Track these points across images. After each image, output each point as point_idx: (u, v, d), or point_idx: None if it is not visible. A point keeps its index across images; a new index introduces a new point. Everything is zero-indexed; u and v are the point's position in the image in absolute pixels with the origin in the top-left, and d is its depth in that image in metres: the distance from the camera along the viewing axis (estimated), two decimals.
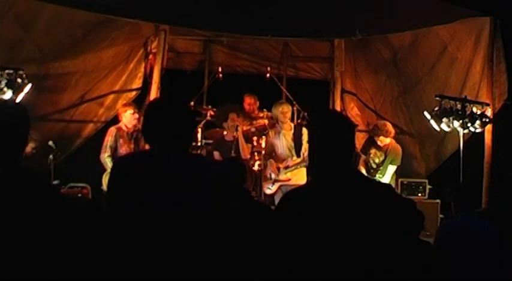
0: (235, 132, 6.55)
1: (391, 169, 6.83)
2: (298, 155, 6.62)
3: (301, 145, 6.62)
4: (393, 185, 6.86)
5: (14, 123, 2.28)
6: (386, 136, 6.78)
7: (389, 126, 6.82)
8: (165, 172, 2.30)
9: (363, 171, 6.89)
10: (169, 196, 2.25)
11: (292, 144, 6.67)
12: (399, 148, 6.91)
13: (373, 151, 6.89)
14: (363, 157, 6.99)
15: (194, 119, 2.60)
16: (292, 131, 6.74)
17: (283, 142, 6.68)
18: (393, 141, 6.91)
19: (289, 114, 6.72)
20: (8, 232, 2.12)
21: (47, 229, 2.18)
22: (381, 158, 6.86)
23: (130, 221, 2.26)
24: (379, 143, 6.82)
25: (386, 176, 6.84)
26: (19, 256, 2.13)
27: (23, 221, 2.14)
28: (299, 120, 7.47)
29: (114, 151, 6.55)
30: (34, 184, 2.24)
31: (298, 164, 6.53)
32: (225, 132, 6.82)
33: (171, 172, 2.30)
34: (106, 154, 6.52)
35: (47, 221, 2.19)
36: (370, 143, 6.97)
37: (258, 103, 7.63)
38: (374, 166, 6.89)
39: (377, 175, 6.87)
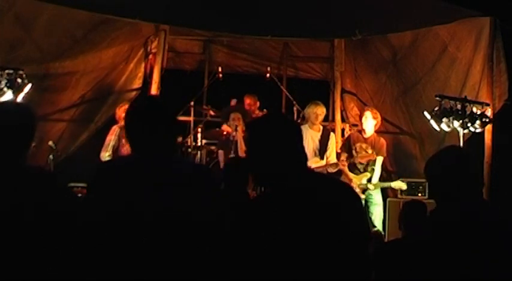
0: (234, 132, 6.56)
1: (379, 160, 6.91)
2: (322, 158, 6.64)
3: (326, 148, 6.64)
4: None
5: (21, 123, 2.30)
6: (374, 116, 6.89)
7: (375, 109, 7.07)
8: (145, 177, 2.27)
9: (346, 171, 6.86)
10: (150, 201, 2.22)
11: (319, 146, 6.67)
12: (383, 139, 7.02)
13: (358, 145, 6.89)
14: (345, 154, 6.95)
15: (174, 120, 2.50)
16: (321, 133, 6.74)
17: (309, 143, 6.65)
18: (375, 133, 7.01)
19: (321, 117, 6.74)
20: (15, 233, 2.13)
21: (58, 228, 2.19)
22: (368, 151, 6.90)
23: (110, 227, 2.24)
24: (364, 120, 6.91)
25: (377, 167, 6.89)
26: (28, 255, 2.14)
27: (31, 221, 2.14)
28: (299, 120, 7.47)
29: (115, 150, 6.52)
30: (44, 183, 2.24)
31: (321, 167, 6.52)
32: (225, 132, 6.84)
33: (151, 177, 2.27)
34: (107, 153, 6.49)
35: (57, 221, 2.19)
36: (353, 139, 7.01)
37: (258, 103, 7.64)
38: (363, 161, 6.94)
39: (369, 168, 6.88)
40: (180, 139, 7.04)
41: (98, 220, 2.25)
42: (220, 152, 6.60)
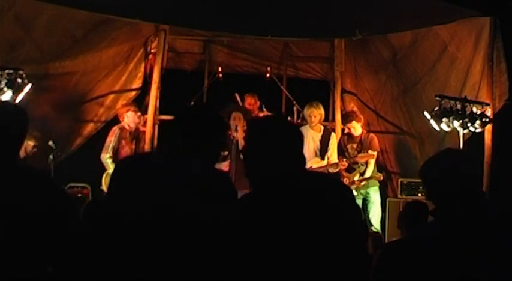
0: (235, 133, 6.55)
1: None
2: (323, 158, 6.64)
3: (326, 148, 6.64)
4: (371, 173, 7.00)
5: (12, 124, 2.30)
6: (358, 122, 6.97)
7: (357, 112, 7.18)
8: (165, 174, 2.28)
9: (342, 169, 6.88)
10: (160, 200, 2.23)
11: (319, 146, 6.68)
12: (372, 134, 7.11)
13: (349, 146, 6.95)
14: (357, 155, 6.98)
15: (219, 132, 2.52)
16: (321, 133, 6.74)
17: (309, 143, 6.67)
18: (364, 130, 7.11)
19: (316, 119, 6.74)
20: (11, 233, 2.13)
21: (52, 228, 2.19)
22: (358, 149, 6.93)
23: (129, 222, 2.25)
24: (352, 130, 6.99)
25: (370, 163, 6.95)
26: (23, 255, 2.14)
27: (27, 221, 2.14)
28: (299, 120, 7.47)
29: (115, 151, 6.53)
30: (38, 183, 2.24)
31: (322, 167, 6.53)
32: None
33: (164, 176, 2.28)
34: (107, 155, 6.50)
35: (52, 221, 2.19)
36: (344, 140, 7.09)
37: (258, 103, 7.64)
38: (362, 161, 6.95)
39: (359, 164, 6.89)
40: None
41: (112, 215, 2.26)
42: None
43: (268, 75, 7.88)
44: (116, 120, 7.15)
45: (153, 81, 7.88)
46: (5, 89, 5.76)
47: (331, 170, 6.59)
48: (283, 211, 2.18)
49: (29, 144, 6.28)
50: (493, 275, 2.08)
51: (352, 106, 8.66)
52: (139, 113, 6.81)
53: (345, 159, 6.79)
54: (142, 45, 8.36)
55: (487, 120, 6.13)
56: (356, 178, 6.86)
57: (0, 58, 6.04)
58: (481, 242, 2.11)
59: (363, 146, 6.94)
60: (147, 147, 7.33)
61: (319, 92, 8.60)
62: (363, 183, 6.86)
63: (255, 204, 2.26)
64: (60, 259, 2.24)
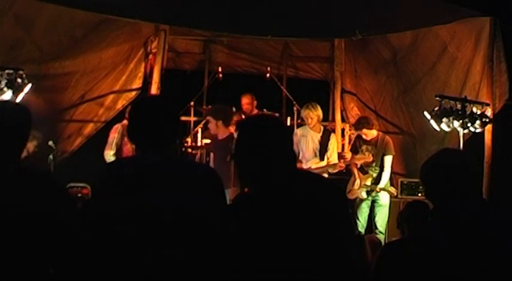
0: (235, 133, 6.48)
1: (388, 159, 6.85)
2: (322, 159, 6.63)
3: (326, 148, 6.62)
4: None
5: (15, 123, 2.30)
6: (370, 128, 6.81)
7: (371, 118, 7.02)
8: (148, 177, 2.28)
9: (355, 171, 6.85)
10: (155, 201, 2.22)
11: (319, 147, 6.65)
12: (388, 137, 6.97)
13: (364, 147, 6.89)
14: (353, 156, 6.90)
15: (175, 117, 2.47)
16: (321, 134, 6.71)
17: (309, 143, 6.65)
18: (380, 132, 6.99)
19: (313, 120, 6.62)
20: (13, 233, 2.13)
21: (53, 228, 2.19)
22: (373, 152, 6.86)
23: (116, 224, 2.24)
24: (364, 137, 6.85)
25: (386, 167, 6.82)
26: (24, 255, 2.14)
27: (29, 221, 2.14)
28: (299, 121, 7.47)
29: (118, 148, 6.51)
30: (40, 183, 2.24)
31: (322, 168, 6.51)
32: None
33: (156, 177, 2.28)
34: (111, 152, 6.47)
35: (53, 220, 2.19)
36: (359, 141, 6.99)
37: (255, 102, 7.63)
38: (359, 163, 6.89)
39: (373, 168, 6.84)
40: (187, 139, 6.96)
41: (101, 220, 2.25)
42: (211, 154, 6.52)
43: (268, 75, 7.89)
44: (115, 120, 7.13)
45: (153, 81, 7.89)
46: (5, 89, 5.75)
47: (331, 170, 6.57)
48: (272, 212, 2.17)
49: (32, 144, 6.27)
50: (493, 275, 2.08)
51: (352, 106, 8.67)
52: None
53: (342, 160, 6.75)
54: (142, 45, 8.36)
55: (487, 120, 6.12)
56: (368, 182, 6.78)
57: (0, 58, 6.03)
58: (480, 242, 2.11)
59: (377, 148, 6.85)
60: None
61: (319, 92, 8.61)
62: (379, 189, 6.78)
63: (247, 205, 2.25)
64: (60, 259, 2.25)
